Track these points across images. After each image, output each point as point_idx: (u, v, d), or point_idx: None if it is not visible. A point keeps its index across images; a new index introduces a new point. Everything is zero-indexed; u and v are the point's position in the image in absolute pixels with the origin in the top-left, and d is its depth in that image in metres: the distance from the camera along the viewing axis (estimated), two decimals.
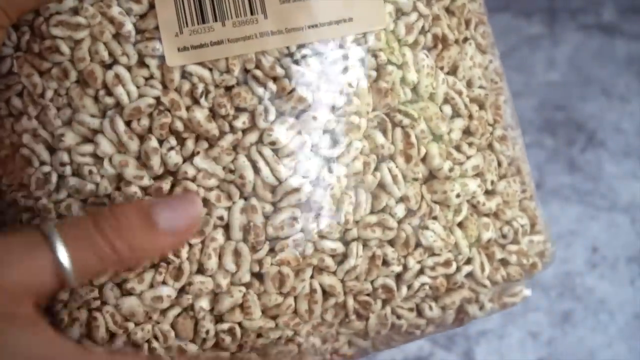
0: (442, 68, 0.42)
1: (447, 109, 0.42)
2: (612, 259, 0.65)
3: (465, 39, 0.43)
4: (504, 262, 0.43)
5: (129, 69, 0.39)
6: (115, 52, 0.39)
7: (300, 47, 0.39)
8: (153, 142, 0.39)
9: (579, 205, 0.67)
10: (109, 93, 0.39)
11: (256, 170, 0.39)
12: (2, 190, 0.41)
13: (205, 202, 0.39)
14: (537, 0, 0.73)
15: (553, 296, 0.64)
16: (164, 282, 0.39)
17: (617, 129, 0.69)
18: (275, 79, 0.39)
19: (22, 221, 0.40)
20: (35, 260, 0.36)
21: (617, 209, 0.67)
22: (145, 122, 0.39)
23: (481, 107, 0.43)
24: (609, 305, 0.63)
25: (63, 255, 0.36)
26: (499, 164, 0.43)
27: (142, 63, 0.39)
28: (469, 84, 0.43)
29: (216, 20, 0.39)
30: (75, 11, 0.39)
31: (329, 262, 0.40)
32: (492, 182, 0.43)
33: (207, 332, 0.40)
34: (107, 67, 0.39)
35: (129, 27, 0.39)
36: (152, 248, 0.38)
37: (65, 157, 0.39)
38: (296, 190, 0.39)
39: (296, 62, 0.39)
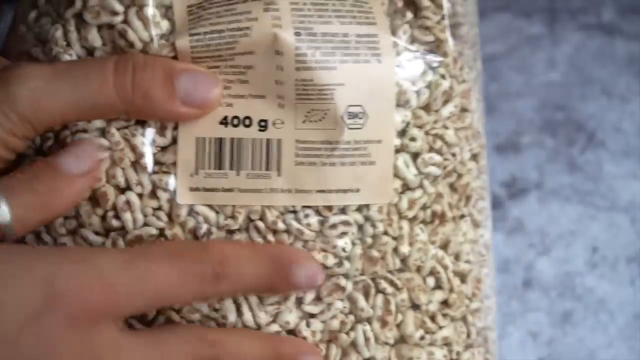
0: (434, 242, 0.44)
1: (431, 281, 0.44)
2: (612, 259, 0.65)
3: (462, 216, 0.45)
4: None
5: (140, 197, 0.40)
6: (130, 179, 0.40)
7: (305, 207, 0.41)
8: None
9: (579, 205, 0.67)
10: (117, 216, 0.40)
11: (239, 313, 0.41)
12: None
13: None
14: (537, 0, 0.72)
15: (553, 296, 0.64)
16: None
17: (617, 129, 0.69)
18: (275, 232, 0.40)
19: None
20: None
21: (617, 209, 0.66)
22: None
23: (463, 280, 0.45)
24: (609, 305, 0.63)
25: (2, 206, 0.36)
26: (468, 335, 0.45)
27: (153, 194, 0.40)
28: (456, 258, 0.45)
29: (232, 169, 0.40)
30: (101, 132, 0.39)
31: None
32: (458, 353, 0.45)
33: None
34: (121, 191, 0.40)
35: (148, 158, 0.40)
36: (69, 194, 0.38)
37: None
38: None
39: (298, 221, 0.41)
